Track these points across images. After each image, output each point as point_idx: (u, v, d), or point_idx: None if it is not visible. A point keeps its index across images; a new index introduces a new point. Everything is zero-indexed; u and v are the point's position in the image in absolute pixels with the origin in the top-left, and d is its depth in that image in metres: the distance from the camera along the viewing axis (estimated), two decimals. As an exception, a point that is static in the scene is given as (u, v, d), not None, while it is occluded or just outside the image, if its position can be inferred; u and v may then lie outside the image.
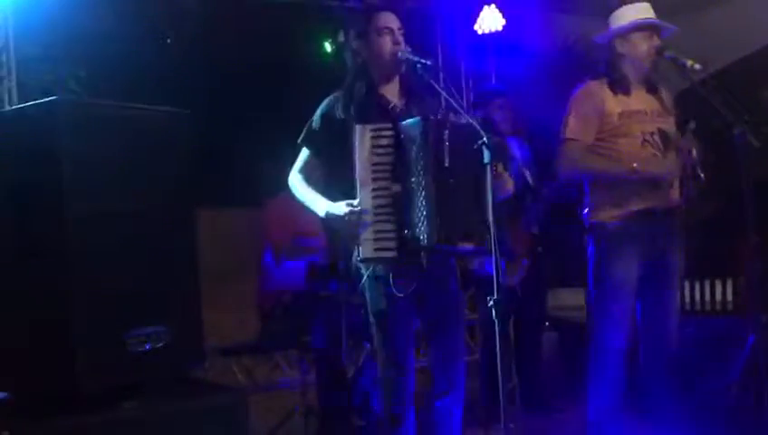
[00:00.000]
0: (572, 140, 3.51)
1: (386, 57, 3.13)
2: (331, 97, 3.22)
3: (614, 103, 3.50)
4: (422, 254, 3.00)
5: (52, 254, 2.63)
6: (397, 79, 3.22)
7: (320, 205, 3.14)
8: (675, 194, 3.51)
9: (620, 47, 3.54)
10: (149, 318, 2.78)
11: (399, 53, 3.11)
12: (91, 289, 2.64)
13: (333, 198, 3.11)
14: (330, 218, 3.08)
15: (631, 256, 3.45)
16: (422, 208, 2.94)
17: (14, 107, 4.21)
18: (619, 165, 3.43)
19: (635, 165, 3.38)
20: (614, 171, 3.46)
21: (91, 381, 2.62)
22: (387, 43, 3.13)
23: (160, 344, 2.79)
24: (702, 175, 3.45)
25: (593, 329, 3.53)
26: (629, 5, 3.53)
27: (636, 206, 3.45)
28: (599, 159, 3.50)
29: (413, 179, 2.95)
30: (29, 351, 2.69)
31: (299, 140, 3.26)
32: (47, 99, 2.68)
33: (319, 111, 3.22)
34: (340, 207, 3.01)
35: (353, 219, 2.97)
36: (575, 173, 3.58)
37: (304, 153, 3.27)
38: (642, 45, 3.50)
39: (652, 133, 3.47)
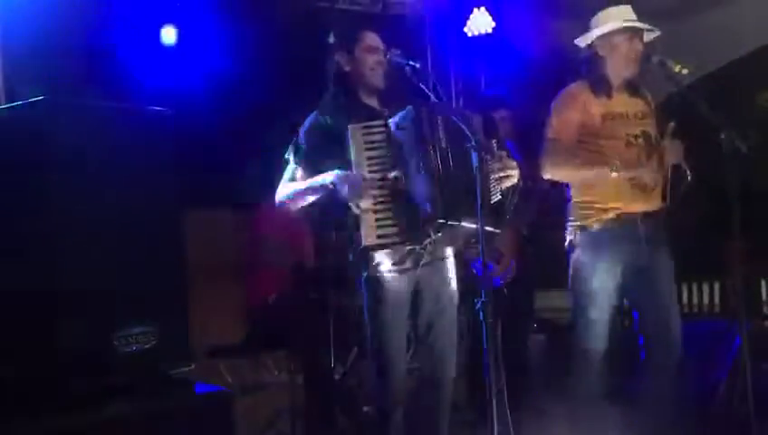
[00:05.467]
0: (554, 140, 3.53)
1: (369, 73, 3.22)
2: (313, 115, 3.26)
3: (596, 106, 3.51)
4: (428, 232, 3.00)
5: (38, 253, 2.63)
6: (376, 95, 3.28)
7: (327, 174, 3.10)
8: (657, 198, 3.51)
9: (601, 50, 3.54)
10: (137, 319, 2.77)
11: (389, 55, 3.16)
12: (78, 289, 2.63)
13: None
14: (340, 181, 3.04)
15: (612, 261, 3.45)
16: (423, 188, 2.96)
17: (1, 106, 4.20)
18: (600, 163, 3.43)
19: (617, 162, 3.37)
20: (593, 167, 3.45)
21: (77, 381, 2.62)
22: (371, 61, 3.21)
23: (147, 345, 2.78)
24: (689, 173, 3.46)
25: (573, 331, 3.55)
26: (611, 8, 3.54)
27: (618, 210, 3.46)
28: (580, 158, 3.50)
29: (411, 164, 2.97)
30: (15, 351, 2.68)
31: (285, 156, 3.28)
32: (35, 98, 2.67)
33: (305, 128, 3.25)
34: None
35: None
36: (556, 173, 3.59)
37: (291, 167, 3.28)
38: (623, 48, 3.50)
39: (636, 136, 3.48)
